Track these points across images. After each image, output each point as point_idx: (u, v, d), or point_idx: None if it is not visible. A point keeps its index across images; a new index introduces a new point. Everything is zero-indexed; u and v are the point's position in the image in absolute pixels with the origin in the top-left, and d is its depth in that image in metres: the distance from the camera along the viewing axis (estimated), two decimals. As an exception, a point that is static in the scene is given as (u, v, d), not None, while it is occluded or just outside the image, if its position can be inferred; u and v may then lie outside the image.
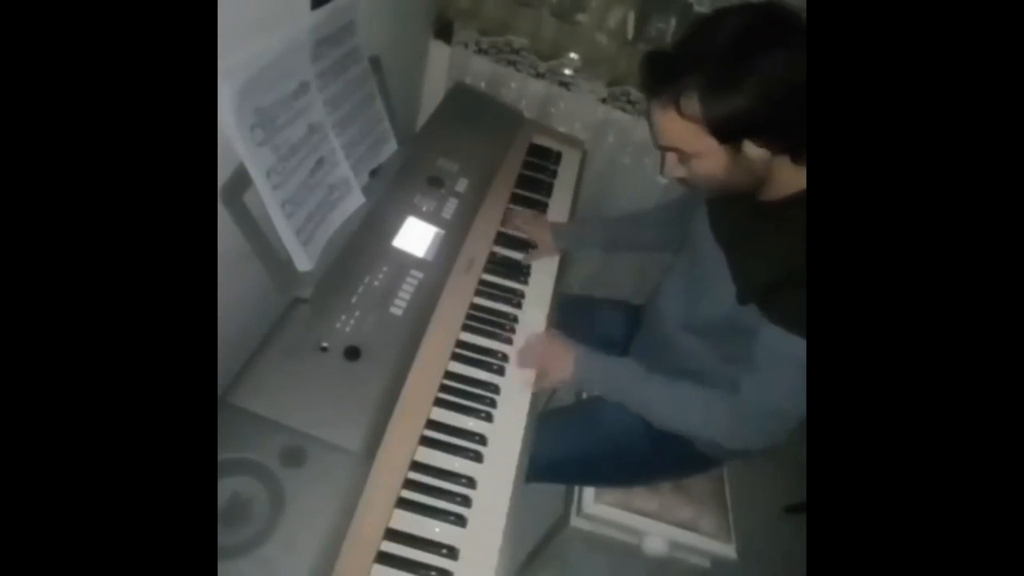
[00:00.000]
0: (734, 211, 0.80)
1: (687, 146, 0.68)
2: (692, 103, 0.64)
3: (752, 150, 0.66)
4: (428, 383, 0.78)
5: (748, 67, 0.61)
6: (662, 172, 0.75)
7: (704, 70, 0.62)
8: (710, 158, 0.68)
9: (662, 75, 0.66)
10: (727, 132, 0.65)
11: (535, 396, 0.85)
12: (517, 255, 1.04)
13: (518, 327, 0.93)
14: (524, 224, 1.08)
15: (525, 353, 0.89)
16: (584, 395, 1.15)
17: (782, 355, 0.69)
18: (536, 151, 1.25)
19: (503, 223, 1.07)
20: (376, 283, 0.84)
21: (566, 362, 0.85)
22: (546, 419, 0.94)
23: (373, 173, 0.97)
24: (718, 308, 0.78)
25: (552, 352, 0.87)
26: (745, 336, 0.74)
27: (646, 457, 0.95)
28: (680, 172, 0.73)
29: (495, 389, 0.83)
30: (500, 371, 0.86)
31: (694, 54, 0.64)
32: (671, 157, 0.72)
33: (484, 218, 1.03)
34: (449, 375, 0.82)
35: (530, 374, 0.87)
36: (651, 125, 0.71)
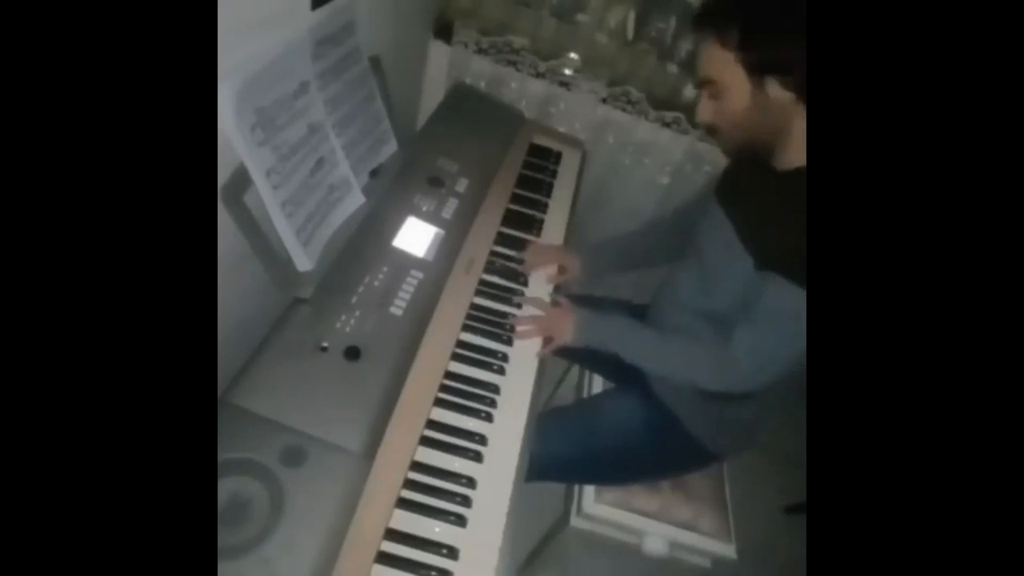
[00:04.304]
0: (748, 182, 0.84)
1: (719, 75, 0.75)
2: (733, 34, 0.71)
3: (775, 90, 0.72)
4: (428, 383, 0.78)
5: (792, 8, 0.65)
6: (697, 117, 0.83)
7: (752, 5, 0.71)
8: (736, 91, 0.74)
9: (716, 4, 0.75)
10: (755, 62, 0.72)
11: (535, 396, 0.85)
12: (518, 255, 1.04)
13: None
14: (542, 258, 1.04)
15: (527, 321, 0.92)
16: (584, 394, 1.15)
17: (784, 309, 0.72)
18: (536, 151, 1.25)
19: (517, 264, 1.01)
20: (376, 283, 0.84)
21: (567, 326, 0.91)
22: (546, 417, 0.94)
23: (373, 173, 0.97)
24: (732, 292, 0.81)
25: (553, 317, 0.93)
26: None
27: (646, 454, 0.96)
28: (710, 114, 0.79)
29: (495, 389, 0.83)
30: (500, 371, 0.86)
31: None
32: (704, 96, 0.79)
33: (484, 218, 1.03)
34: (449, 375, 0.82)
35: (536, 343, 0.91)
36: (697, 56, 0.81)
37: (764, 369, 0.80)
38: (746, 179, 0.85)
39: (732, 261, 0.80)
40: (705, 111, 0.80)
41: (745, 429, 0.95)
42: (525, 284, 1.00)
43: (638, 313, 1.08)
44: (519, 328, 0.91)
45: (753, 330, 0.78)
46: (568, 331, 0.90)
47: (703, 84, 0.79)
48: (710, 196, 0.92)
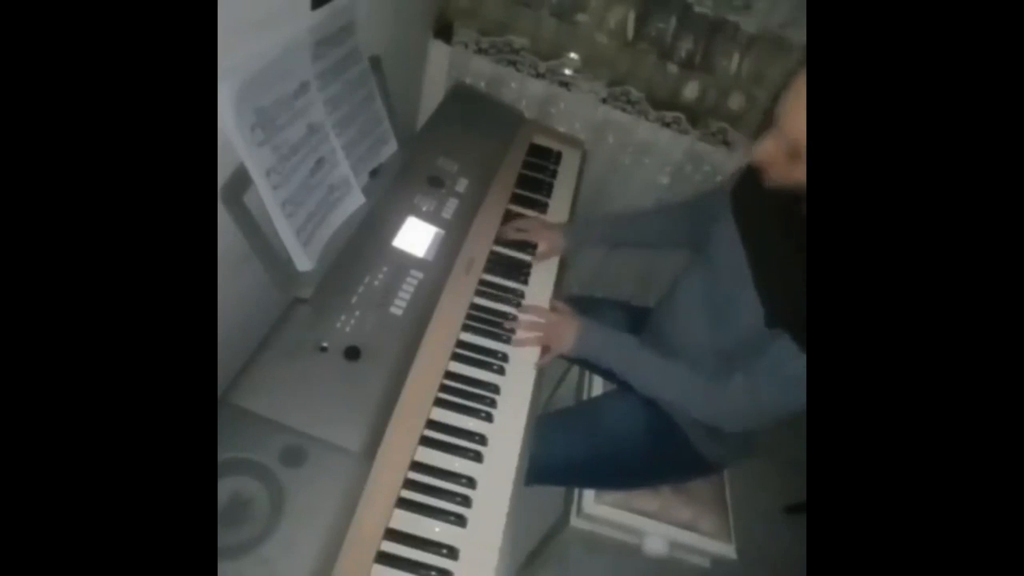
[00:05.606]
0: (772, 217, 0.77)
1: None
2: None
3: None
4: (428, 383, 0.78)
5: None
6: (754, 152, 0.70)
7: None
8: None
9: None
10: None
11: (535, 396, 0.85)
12: (517, 255, 1.04)
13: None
14: (524, 227, 1.06)
15: (529, 327, 0.91)
16: (584, 396, 1.15)
17: (788, 371, 0.70)
18: (536, 151, 1.25)
19: (500, 230, 1.04)
20: (376, 283, 0.84)
21: (568, 334, 0.89)
22: (546, 421, 0.94)
23: (373, 173, 0.97)
24: (743, 332, 0.78)
25: (553, 326, 0.90)
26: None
27: (647, 461, 0.95)
28: (771, 163, 0.69)
29: (495, 389, 0.83)
30: (500, 371, 0.86)
31: None
32: (772, 140, 0.68)
33: (484, 218, 1.03)
34: (449, 375, 0.82)
35: (534, 351, 0.90)
36: (779, 108, 0.66)
37: (756, 418, 0.80)
38: (769, 209, 0.76)
39: (744, 288, 0.77)
40: (767, 156, 0.69)
41: (744, 440, 0.94)
42: (525, 283, 1.00)
43: (637, 315, 1.08)
44: (517, 336, 0.90)
45: (754, 382, 0.76)
46: (569, 340, 0.88)
47: (781, 139, 0.66)
48: (724, 207, 0.88)
